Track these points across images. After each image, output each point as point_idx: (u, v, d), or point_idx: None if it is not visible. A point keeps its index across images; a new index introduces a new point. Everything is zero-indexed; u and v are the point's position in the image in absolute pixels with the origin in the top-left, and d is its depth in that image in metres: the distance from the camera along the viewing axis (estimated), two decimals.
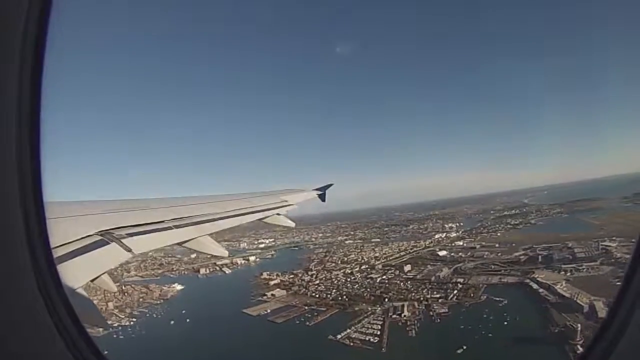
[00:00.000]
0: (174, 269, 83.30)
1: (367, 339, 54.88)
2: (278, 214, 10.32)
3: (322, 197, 14.30)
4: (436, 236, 79.14)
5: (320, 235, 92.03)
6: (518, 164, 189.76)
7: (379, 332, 55.46)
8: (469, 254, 69.88)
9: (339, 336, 55.92)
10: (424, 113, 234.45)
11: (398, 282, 66.28)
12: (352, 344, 54.50)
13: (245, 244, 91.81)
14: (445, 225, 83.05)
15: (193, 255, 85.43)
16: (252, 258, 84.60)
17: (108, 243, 5.49)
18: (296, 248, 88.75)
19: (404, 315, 57.77)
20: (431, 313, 57.44)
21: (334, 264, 75.70)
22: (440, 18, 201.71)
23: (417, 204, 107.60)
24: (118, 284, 75.07)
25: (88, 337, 2.77)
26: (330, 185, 15.15)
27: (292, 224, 10.48)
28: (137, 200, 8.36)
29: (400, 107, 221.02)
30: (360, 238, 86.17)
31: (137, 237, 6.12)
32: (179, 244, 7.00)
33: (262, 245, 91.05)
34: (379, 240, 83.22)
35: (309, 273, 73.84)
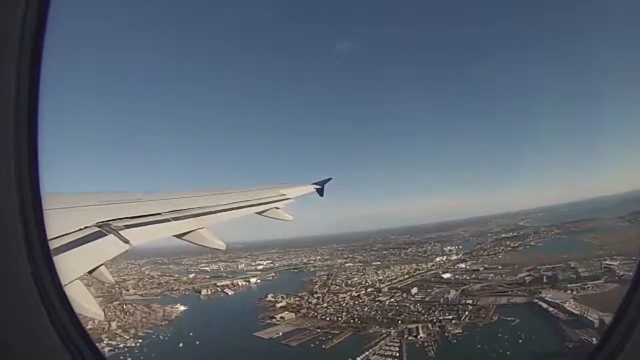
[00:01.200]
0: (174, 289, 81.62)
1: None
2: (277, 208, 10.54)
3: (320, 191, 14.53)
4: (437, 259, 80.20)
5: (319, 257, 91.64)
6: (510, 187, 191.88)
7: (397, 354, 56.13)
8: (473, 276, 71.33)
9: (358, 359, 55.83)
10: (412, 137, 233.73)
11: (407, 304, 66.86)
12: None
13: (243, 265, 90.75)
14: (445, 249, 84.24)
15: (191, 275, 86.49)
16: (253, 280, 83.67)
17: (106, 234, 5.61)
18: (296, 270, 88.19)
19: (420, 337, 58.46)
20: (446, 334, 58.33)
21: (338, 287, 75.63)
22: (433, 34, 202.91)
23: (411, 227, 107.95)
24: (117, 302, 73.97)
25: (85, 332, 2.87)
26: (329, 179, 15.44)
27: (291, 218, 10.67)
28: (135, 193, 8.41)
29: (389, 131, 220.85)
30: (360, 261, 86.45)
31: (135, 228, 6.27)
32: (177, 236, 7.12)
33: (260, 267, 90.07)
34: (379, 263, 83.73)
35: (315, 295, 73.46)
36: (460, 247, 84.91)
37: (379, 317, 65.04)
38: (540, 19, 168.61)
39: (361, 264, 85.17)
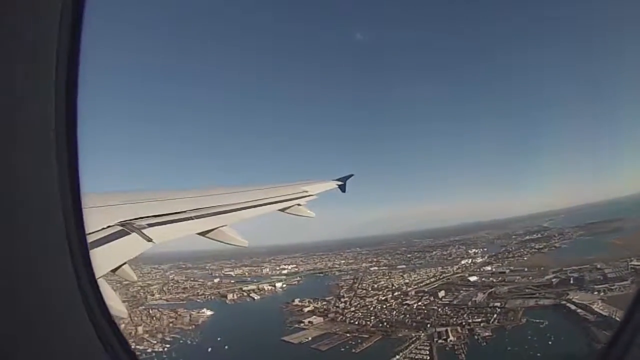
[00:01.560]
0: (199, 293, 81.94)
1: None
2: (299, 205, 10.46)
3: (342, 187, 14.47)
4: (462, 262, 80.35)
5: (343, 261, 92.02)
6: (531, 188, 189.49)
7: (428, 357, 56.29)
8: (500, 278, 71.25)
9: None
10: (431, 139, 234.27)
11: (435, 307, 67.11)
12: None
13: (268, 269, 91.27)
14: (469, 251, 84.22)
15: (216, 280, 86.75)
16: (278, 284, 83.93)
17: (129, 233, 5.70)
18: (321, 274, 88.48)
19: (450, 340, 58.69)
20: (476, 336, 58.49)
21: (364, 291, 75.89)
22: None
23: (433, 230, 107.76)
24: (143, 307, 74.59)
25: (120, 333, 2.98)
26: (351, 175, 15.23)
27: (313, 215, 10.55)
28: (157, 192, 8.47)
29: (407, 132, 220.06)
30: (384, 265, 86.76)
31: (158, 227, 6.34)
32: (200, 234, 7.19)
33: (285, 271, 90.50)
34: (404, 266, 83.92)
35: (342, 300, 73.79)
36: (485, 249, 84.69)
37: (407, 321, 65.34)
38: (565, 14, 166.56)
39: (386, 268, 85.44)
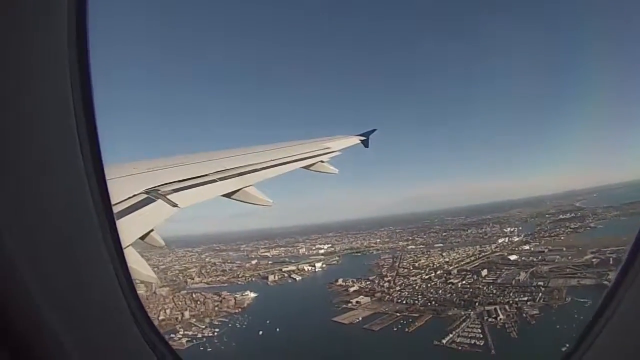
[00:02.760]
0: (239, 276, 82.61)
1: (472, 342, 57.10)
2: (322, 162, 10.37)
3: (365, 142, 14.09)
4: (499, 241, 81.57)
5: (378, 240, 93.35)
6: (561, 166, 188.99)
7: (481, 335, 57.84)
8: (539, 257, 72.69)
9: (443, 341, 57.60)
10: (458, 118, 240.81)
11: (480, 286, 68.79)
12: (460, 348, 56.65)
13: (304, 249, 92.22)
14: (505, 230, 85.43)
15: (254, 262, 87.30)
16: (318, 264, 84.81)
17: (154, 200, 5.78)
18: (358, 254, 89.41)
19: (500, 318, 60.38)
20: (524, 315, 60.18)
21: (406, 270, 77.22)
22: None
23: (465, 207, 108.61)
24: (185, 291, 74.82)
25: (161, 334, 2.98)
26: (374, 130, 14.91)
27: (336, 171, 10.49)
28: (180, 157, 8.47)
29: (436, 112, 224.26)
30: (421, 243, 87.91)
31: (183, 192, 6.40)
32: (225, 195, 7.19)
33: (321, 251, 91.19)
34: (442, 245, 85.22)
35: (385, 279, 75.15)
36: (520, 228, 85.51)
37: (455, 300, 66.84)
38: None
39: (423, 246, 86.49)
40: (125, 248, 3.84)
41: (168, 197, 6.04)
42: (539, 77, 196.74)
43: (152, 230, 5.70)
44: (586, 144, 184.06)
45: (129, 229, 4.88)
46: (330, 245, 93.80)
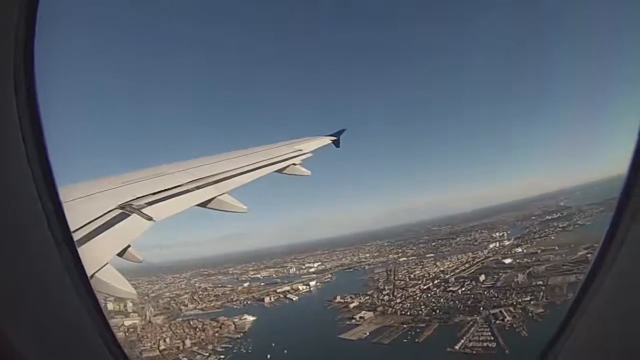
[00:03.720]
0: (233, 299, 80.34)
1: (485, 345, 57.27)
2: (294, 164, 10.42)
3: (336, 142, 14.16)
4: (490, 246, 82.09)
5: (368, 255, 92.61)
6: (543, 167, 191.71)
7: (492, 338, 57.98)
8: (534, 258, 73.53)
9: (456, 347, 57.53)
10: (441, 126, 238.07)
11: (480, 291, 68.96)
12: (474, 352, 56.52)
13: (294, 269, 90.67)
14: (494, 235, 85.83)
15: (245, 284, 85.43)
16: (312, 283, 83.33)
17: (129, 215, 5.73)
18: (350, 270, 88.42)
19: (507, 320, 60.74)
20: (530, 314, 60.69)
21: (403, 282, 76.72)
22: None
23: (450, 216, 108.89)
24: (180, 318, 72.51)
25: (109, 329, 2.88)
26: (344, 130, 14.86)
27: (308, 173, 10.51)
28: (152, 168, 8.36)
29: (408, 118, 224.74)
30: (412, 255, 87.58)
31: (157, 204, 6.36)
32: (200, 205, 7.17)
33: (312, 269, 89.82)
34: (433, 255, 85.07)
35: (384, 292, 74.40)
36: (509, 232, 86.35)
37: (459, 306, 66.67)
38: None
39: (415, 257, 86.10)
40: (103, 266, 4.47)
41: (142, 210, 5.98)
42: (514, 83, 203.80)
43: (129, 246, 5.71)
44: (562, 144, 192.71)
45: (105, 247, 4.87)
46: (320, 263, 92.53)
